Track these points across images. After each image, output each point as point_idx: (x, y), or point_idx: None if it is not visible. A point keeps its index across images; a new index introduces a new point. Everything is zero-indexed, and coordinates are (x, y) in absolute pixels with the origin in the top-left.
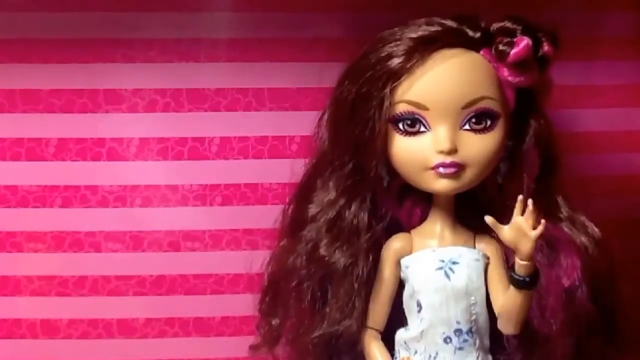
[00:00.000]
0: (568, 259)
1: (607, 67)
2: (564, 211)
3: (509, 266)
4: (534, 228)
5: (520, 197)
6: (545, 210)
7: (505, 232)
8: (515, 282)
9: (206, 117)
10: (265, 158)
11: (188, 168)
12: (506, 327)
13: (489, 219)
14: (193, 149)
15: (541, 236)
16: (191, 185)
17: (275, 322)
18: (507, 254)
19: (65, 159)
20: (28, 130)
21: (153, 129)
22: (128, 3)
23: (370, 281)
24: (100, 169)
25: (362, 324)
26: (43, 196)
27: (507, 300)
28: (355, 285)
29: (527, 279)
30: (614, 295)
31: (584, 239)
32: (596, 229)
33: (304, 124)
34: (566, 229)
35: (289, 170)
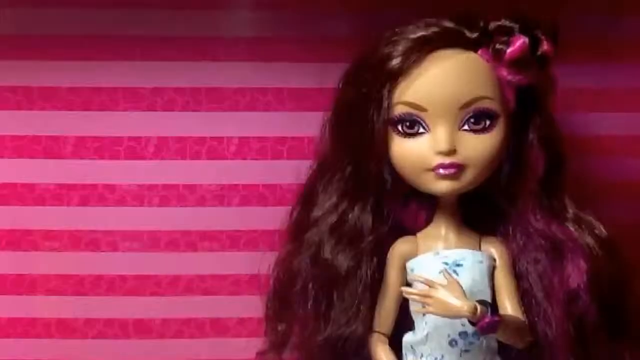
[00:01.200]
0: (574, 261)
1: (623, 69)
2: (571, 211)
3: None
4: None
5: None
6: (550, 210)
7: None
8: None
9: (225, 117)
10: (284, 159)
11: (206, 167)
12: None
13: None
14: (211, 148)
15: (546, 238)
16: (209, 185)
17: (281, 327)
18: (514, 257)
19: (83, 157)
20: (46, 128)
21: (171, 128)
22: (147, 1)
23: (375, 284)
24: (118, 167)
25: (368, 327)
26: (60, 194)
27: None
28: (359, 289)
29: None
30: (623, 296)
31: (590, 239)
32: (603, 229)
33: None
34: (572, 230)
35: (307, 171)
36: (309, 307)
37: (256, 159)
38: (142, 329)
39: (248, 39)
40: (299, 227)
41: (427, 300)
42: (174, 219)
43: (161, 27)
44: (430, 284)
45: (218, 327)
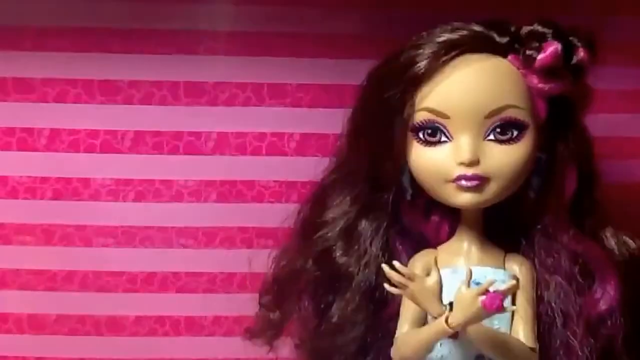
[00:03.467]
0: (607, 282)
1: (614, 72)
2: (603, 229)
3: None
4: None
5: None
6: (582, 228)
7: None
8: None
9: (203, 112)
10: (263, 155)
11: (183, 163)
12: None
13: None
14: (189, 143)
15: (575, 257)
16: (186, 181)
17: (274, 316)
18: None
19: (57, 150)
20: (20, 121)
21: (149, 122)
22: None
23: (380, 295)
24: (94, 161)
25: (365, 335)
26: (33, 188)
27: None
28: (363, 297)
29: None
30: None
31: (624, 257)
32: (636, 246)
33: (303, 121)
34: (604, 250)
35: (286, 168)
36: (309, 308)
37: (234, 155)
38: (115, 326)
39: (228, 33)
40: (309, 225)
41: (402, 286)
42: (149, 214)
43: (139, 20)
44: (411, 277)
45: (192, 326)
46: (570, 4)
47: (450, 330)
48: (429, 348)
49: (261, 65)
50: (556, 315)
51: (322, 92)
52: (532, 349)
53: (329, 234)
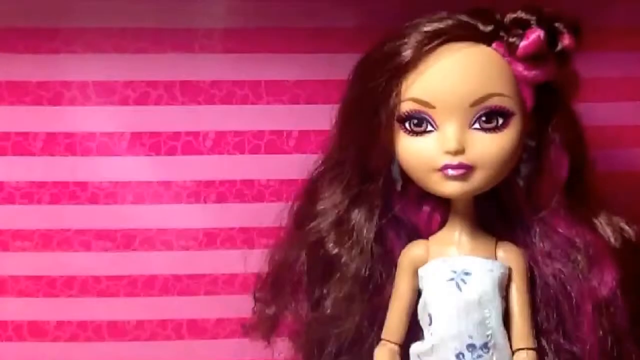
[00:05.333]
0: (602, 267)
1: (615, 58)
2: (597, 214)
3: None
4: None
5: None
6: (575, 214)
7: None
8: None
9: (200, 111)
10: (262, 153)
11: (181, 163)
12: None
13: None
14: (187, 143)
15: (572, 243)
16: (184, 182)
17: (269, 310)
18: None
19: (53, 154)
20: (16, 125)
21: (145, 123)
22: None
23: (374, 285)
24: (90, 164)
25: (360, 325)
26: (30, 192)
27: None
28: (356, 287)
29: None
30: None
31: (619, 243)
32: (632, 232)
33: (302, 118)
34: (600, 234)
35: (286, 166)
36: (303, 299)
37: (233, 154)
38: (116, 331)
39: (224, 30)
40: (301, 217)
41: None
42: (148, 217)
43: (133, 19)
44: None
45: (195, 329)
46: None
47: None
48: None
49: (258, 62)
50: (557, 303)
51: (320, 88)
52: (532, 349)
53: (321, 225)
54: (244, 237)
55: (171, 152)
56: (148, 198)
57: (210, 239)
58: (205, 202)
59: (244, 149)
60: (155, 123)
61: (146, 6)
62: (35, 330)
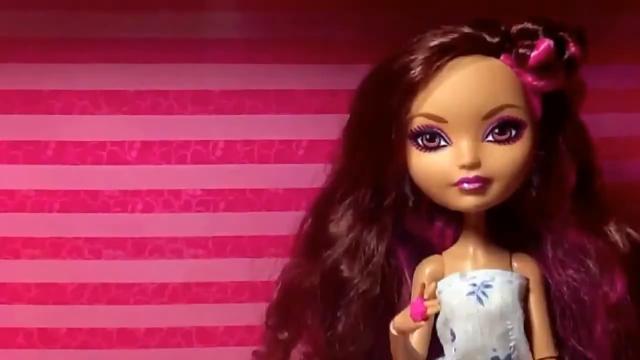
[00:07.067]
0: (615, 274)
1: (624, 70)
2: (606, 222)
3: None
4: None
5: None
6: (584, 222)
7: None
8: None
9: (210, 120)
10: (272, 163)
11: (191, 172)
12: None
13: None
14: (196, 152)
15: (584, 252)
16: (194, 190)
17: (282, 336)
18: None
19: (64, 163)
20: (27, 133)
21: (155, 132)
22: (130, 3)
23: (386, 303)
24: (101, 172)
25: (374, 344)
26: (41, 201)
27: None
28: (368, 307)
29: None
30: None
31: (628, 249)
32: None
33: (311, 127)
34: (609, 241)
35: (295, 176)
36: (317, 325)
37: (243, 163)
38: (126, 338)
39: (234, 40)
40: (314, 242)
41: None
42: (158, 225)
43: (144, 29)
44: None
45: (204, 336)
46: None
47: (395, 333)
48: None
49: (267, 72)
50: (571, 311)
51: (330, 98)
52: (555, 358)
53: (336, 253)
54: (253, 246)
55: (181, 161)
56: (158, 207)
57: (220, 247)
58: (214, 211)
59: (254, 158)
60: (165, 132)
61: (157, 17)
62: (46, 338)
